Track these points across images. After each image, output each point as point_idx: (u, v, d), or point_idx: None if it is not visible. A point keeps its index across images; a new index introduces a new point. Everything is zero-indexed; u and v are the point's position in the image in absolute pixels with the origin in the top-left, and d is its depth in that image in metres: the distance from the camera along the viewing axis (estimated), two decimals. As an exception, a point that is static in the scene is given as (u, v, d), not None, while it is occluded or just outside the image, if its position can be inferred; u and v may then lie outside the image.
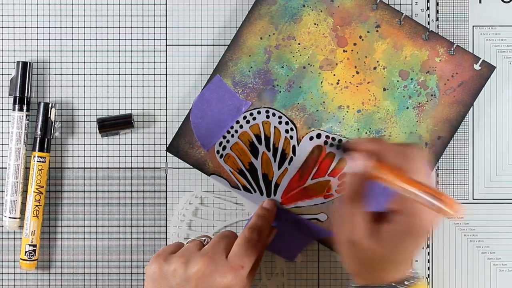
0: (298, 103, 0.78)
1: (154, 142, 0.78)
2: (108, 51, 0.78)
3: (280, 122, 0.78)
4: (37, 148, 0.76)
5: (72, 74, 0.78)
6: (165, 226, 0.78)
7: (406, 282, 0.66)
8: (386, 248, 0.64)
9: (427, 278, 0.79)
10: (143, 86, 0.78)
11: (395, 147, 0.66)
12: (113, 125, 0.77)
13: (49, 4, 0.78)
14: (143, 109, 0.78)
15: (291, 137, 0.78)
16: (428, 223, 0.64)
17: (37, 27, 0.78)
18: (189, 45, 0.79)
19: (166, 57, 0.79)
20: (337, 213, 0.67)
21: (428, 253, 0.79)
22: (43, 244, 0.78)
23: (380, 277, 0.66)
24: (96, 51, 0.78)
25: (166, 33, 0.79)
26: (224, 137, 0.78)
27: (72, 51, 0.78)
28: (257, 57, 0.78)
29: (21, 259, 0.76)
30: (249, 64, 0.78)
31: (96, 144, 0.78)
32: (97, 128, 0.77)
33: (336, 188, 0.77)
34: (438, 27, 0.79)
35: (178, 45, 0.79)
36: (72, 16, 0.78)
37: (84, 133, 0.78)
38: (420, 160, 0.65)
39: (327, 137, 0.78)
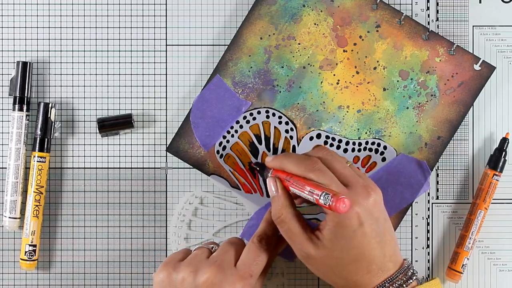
0: (298, 103, 0.78)
1: (154, 142, 0.78)
2: (108, 51, 0.78)
3: (280, 122, 0.78)
4: (37, 148, 0.76)
5: (72, 74, 0.78)
6: (165, 226, 0.78)
7: (410, 281, 0.66)
8: (333, 246, 0.65)
9: (427, 278, 0.79)
10: (143, 86, 0.78)
11: (295, 157, 0.69)
12: (113, 125, 0.77)
13: (49, 4, 0.78)
14: (143, 109, 0.78)
15: (291, 137, 0.78)
16: (353, 209, 0.65)
17: (37, 27, 0.78)
18: (189, 45, 0.79)
19: (166, 57, 0.79)
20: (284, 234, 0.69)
21: (428, 253, 0.79)
22: (43, 244, 0.78)
23: (360, 283, 0.66)
24: (96, 51, 0.78)
25: (166, 33, 0.79)
26: (224, 137, 0.78)
27: (72, 51, 0.78)
28: (257, 57, 0.78)
29: (21, 259, 0.76)
30: (249, 64, 0.78)
31: (96, 144, 0.78)
32: (97, 128, 0.77)
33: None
34: (438, 27, 0.79)
35: (178, 45, 0.79)
36: (72, 16, 0.78)
37: (84, 133, 0.78)
38: (312, 163, 0.67)
39: (327, 137, 0.78)
